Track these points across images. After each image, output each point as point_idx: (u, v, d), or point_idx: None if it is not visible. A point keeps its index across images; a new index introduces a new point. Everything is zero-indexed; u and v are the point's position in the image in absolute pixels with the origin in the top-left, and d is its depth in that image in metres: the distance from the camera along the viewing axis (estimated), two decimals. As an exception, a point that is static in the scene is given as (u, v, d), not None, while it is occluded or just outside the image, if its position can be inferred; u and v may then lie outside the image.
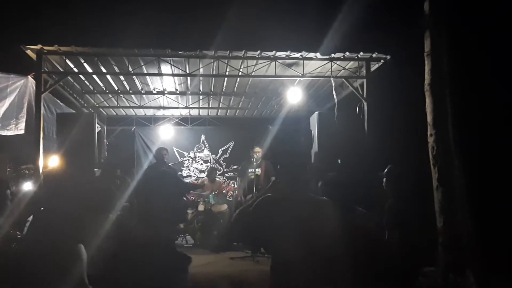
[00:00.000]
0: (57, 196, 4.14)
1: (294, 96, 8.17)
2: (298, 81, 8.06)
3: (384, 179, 4.55)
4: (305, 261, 2.57)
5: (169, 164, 8.46)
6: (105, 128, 11.51)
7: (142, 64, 7.50)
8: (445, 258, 5.01)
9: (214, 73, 7.94)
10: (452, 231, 5.04)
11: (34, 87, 7.06)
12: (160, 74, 7.88)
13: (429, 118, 5.42)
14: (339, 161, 7.00)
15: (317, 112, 7.51)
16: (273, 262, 2.75)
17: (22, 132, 7.07)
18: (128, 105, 10.58)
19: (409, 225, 4.16)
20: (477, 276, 4.66)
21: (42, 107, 7.08)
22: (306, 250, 2.58)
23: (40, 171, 6.68)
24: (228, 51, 7.14)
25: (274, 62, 7.42)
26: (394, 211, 4.32)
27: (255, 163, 8.08)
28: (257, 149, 8.77)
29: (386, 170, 4.56)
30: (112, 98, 10.09)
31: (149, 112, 11.45)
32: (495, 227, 6.06)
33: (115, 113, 11.52)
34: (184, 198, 8.33)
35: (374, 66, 7.64)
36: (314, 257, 2.64)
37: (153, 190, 5.45)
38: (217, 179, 10.10)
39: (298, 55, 7.27)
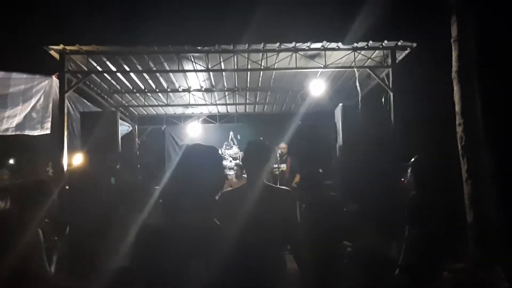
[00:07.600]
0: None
1: (317, 88, 7.94)
2: (320, 73, 7.83)
3: (409, 170, 4.27)
4: (265, 249, 2.62)
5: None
6: (136, 127, 11.66)
7: (163, 60, 7.48)
8: (475, 254, 4.75)
9: (235, 68, 7.82)
10: (482, 225, 4.80)
11: (59, 87, 7.18)
12: (180, 71, 7.82)
13: (457, 107, 5.19)
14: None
15: (341, 104, 7.24)
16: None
17: (48, 131, 7.17)
18: (156, 103, 10.65)
19: (432, 219, 3.91)
20: (507, 272, 4.37)
21: (69, 107, 7.20)
22: (262, 237, 2.60)
23: (65, 169, 6.78)
24: (247, 45, 7.01)
25: (295, 54, 7.22)
26: (416, 205, 4.07)
27: (279, 159, 7.94)
28: (282, 145, 8.67)
29: (412, 160, 4.28)
30: (140, 97, 10.18)
31: (178, 111, 11.54)
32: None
33: (145, 113, 11.68)
34: None
35: (400, 55, 7.31)
36: (273, 243, 2.70)
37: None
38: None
39: (319, 45, 7.05)
